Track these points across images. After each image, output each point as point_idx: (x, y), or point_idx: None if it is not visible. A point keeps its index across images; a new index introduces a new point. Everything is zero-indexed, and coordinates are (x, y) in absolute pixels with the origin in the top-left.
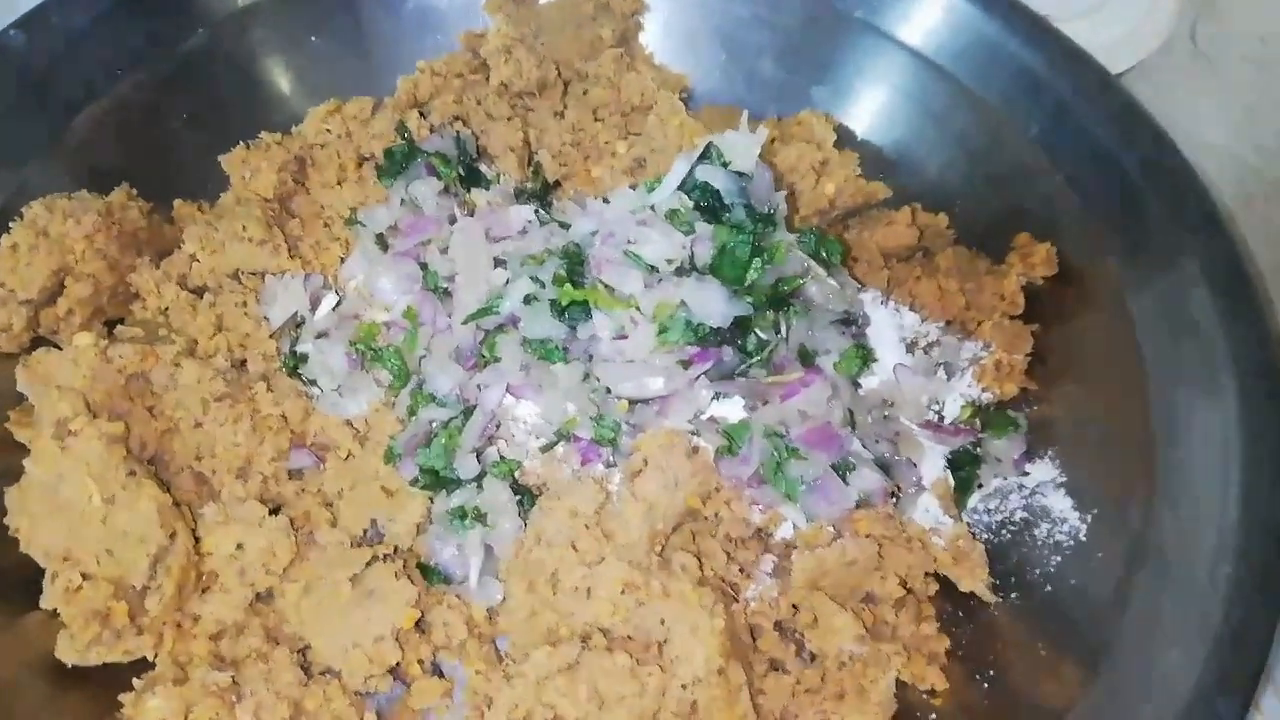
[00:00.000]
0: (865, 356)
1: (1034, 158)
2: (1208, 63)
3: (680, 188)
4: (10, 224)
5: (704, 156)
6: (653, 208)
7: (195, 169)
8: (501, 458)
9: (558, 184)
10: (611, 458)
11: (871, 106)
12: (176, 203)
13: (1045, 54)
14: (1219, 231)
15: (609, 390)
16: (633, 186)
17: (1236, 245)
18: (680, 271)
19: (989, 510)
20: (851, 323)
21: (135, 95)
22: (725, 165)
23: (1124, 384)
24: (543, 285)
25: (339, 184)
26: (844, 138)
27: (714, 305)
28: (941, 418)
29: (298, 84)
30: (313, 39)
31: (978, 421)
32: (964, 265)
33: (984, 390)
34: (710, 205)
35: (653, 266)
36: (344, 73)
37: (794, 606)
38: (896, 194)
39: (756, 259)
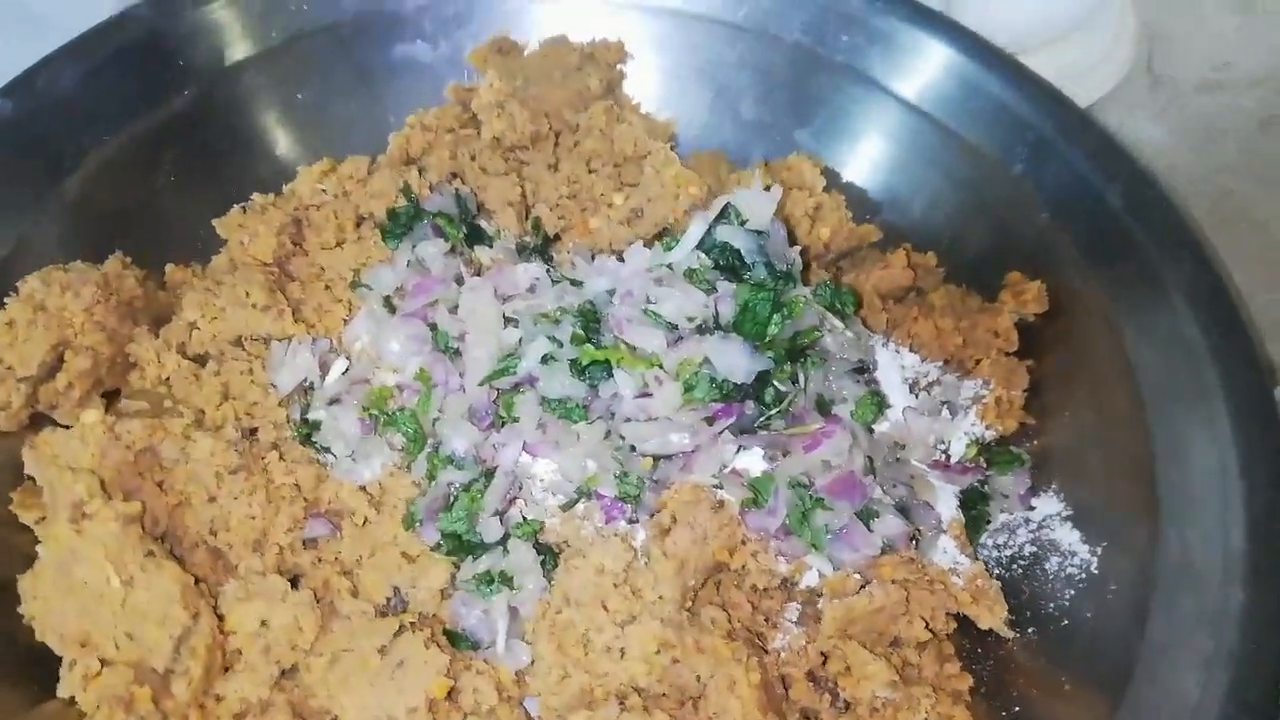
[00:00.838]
0: (880, 403)
1: (1018, 194)
2: (1170, 90)
3: (699, 245)
4: (4, 299)
5: (722, 216)
6: (669, 266)
7: (184, 230)
8: (524, 519)
9: (557, 237)
10: (634, 514)
11: (855, 149)
12: (169, 267)
13: (1024, 93)
14: (1201, 257)
15: (633, 448)
16: (647, 245)
17: (1219, 269)
18: (702, 329)
19: (998, 546)
20: (864, 370)
21: (122, 158)
22: (742, 223)
23: (1121, 413)
24: (560, 345)
25: (338, 245)
26: (829, 179)
27: (737, 361)
28: (948, 457)
29: (285, 140)
30: (299, 95)
31: (983, 459)
32: (957, 304)
33: (987, 427)
34: (730, 264)
35: (672, 324)
36: (331, 126)
37: (823, 654)
38: (884, 233)
39: (777, 315)
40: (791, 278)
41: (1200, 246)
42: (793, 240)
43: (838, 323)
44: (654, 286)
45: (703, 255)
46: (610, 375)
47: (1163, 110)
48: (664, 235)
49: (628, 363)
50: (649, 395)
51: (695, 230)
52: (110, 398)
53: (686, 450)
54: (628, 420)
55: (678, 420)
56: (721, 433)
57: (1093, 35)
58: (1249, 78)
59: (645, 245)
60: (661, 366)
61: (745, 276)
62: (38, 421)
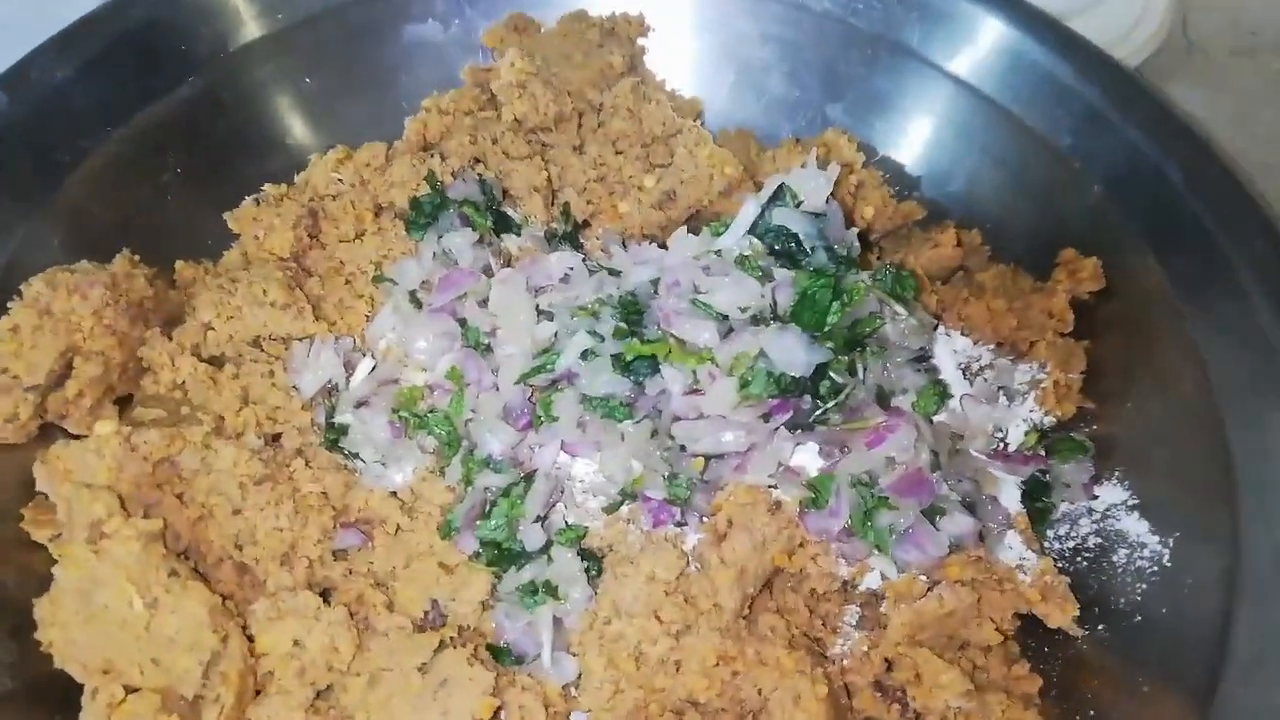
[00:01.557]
0: (942, 392)
1: (1068, 169)
2: (1204, 57)
3: (752, 230)
4: (8, 303)
5: (776, 198)
6: (718, 253)
7: (192, 225)
8: (567, 524)
9: (586, 223)
10: (682, 517)
11: (891, 123)
12: (179, 264)
13: (1071, 61)
14: (1273, 236)
15: (683, 448)
16: (695, 232)
17: None
18: (756, 320)
19: (1059, 537)
20: (925, 359)
21: (125, 150)
22: (798, 205)
23: (1189, 398)
24: (601, 339)
25: (358, 237)
26: (866, 154)
27: (796, 354)
28: (1006, 446)
29: (294, 128)
30: (307, 80)
31: (1043, 447)
32: (1008, 284)
33: (1045, 413)
34: (786, 249)
35: (724, 315)
36: (342, 113)
37: (887, 661)
38: (925, 211)
39: (836, 303)
40: (852, 262)
41: (1272, 225)
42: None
43: (900, 309)
44: (702, 275)
45: (755, 241)
46: (656, 371)
47: (1198, 77)
48: (696, 218)
49: (677, 357)
50: (699, 392)
51: (748, 213)
52: (122, 404)
53: (741, 449)
54: (677, 419)
55: (731, 418)
56: (777, 430)
57: (1124, 1)
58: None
59: (690, 231)
60: (714, 361)
61: (803, 262)
62: (48, 433)
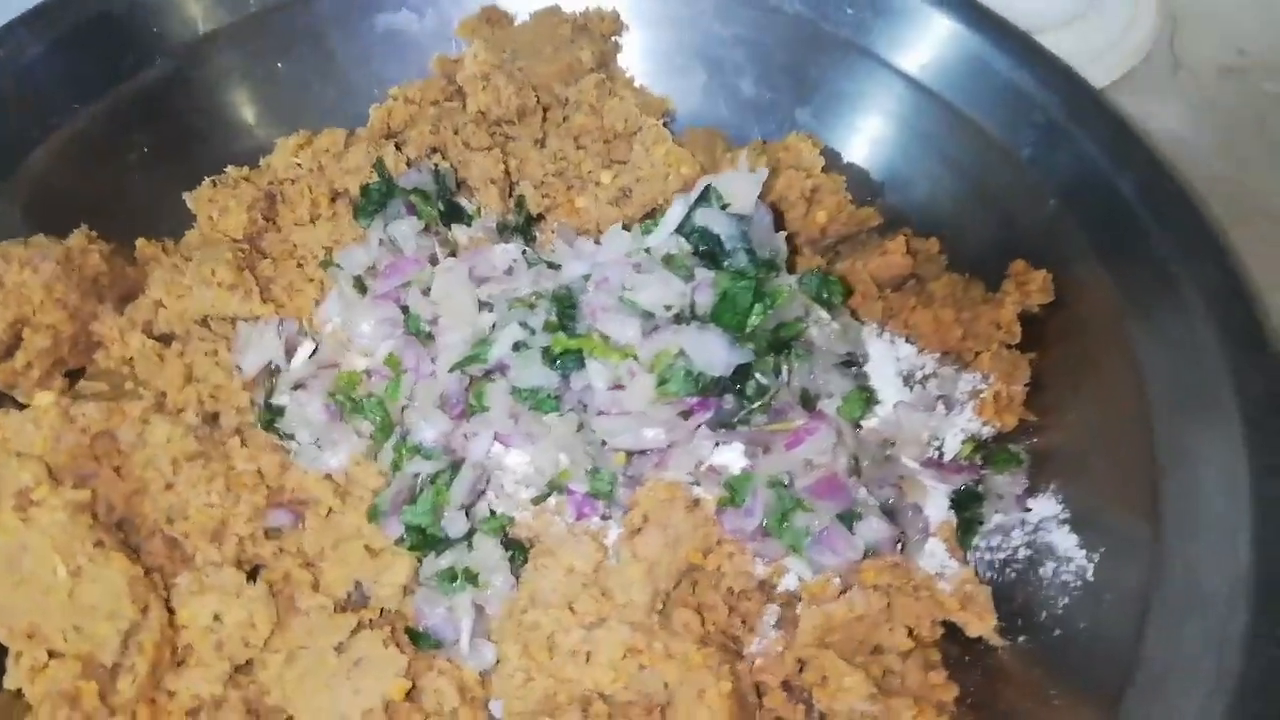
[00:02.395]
0: (869, 398)
1: (1026, 180)
2: (1189, 74)
3: (678, 230)
4: None
5: (702, 199)
6: (648, 251)
7: (158, 204)
8: (492, 512)
9: (541, 216)
10: (607, 510)
11: (857, 127)
12: (139, 242)
13: (1034, 72)
14: (1219, 254)
15: (604, 442)
16: (626, 227)
17: (1238, 269)
18: (679, 319)
19: (991, 548)
20: (853, 364)
21: (92, 128)
22: (724, 207)
23: (1126, 415)
24: (533, 332)
25: (312, 221)
26: (830, 159)
27: (715, 354)
28: (941, 454)
29: (264, 113)
30: (279, 65)
31: (978, 457)
32: (959, 294)
33: (984, 424)
34: (710, 250)
35: (649, 313)
36: (313, 100)
37: (800, 662)
38: (885, 217)
39: (758, 305)
40: (774, 266)
41: (1219, 243)
42: (785, 224)
43: (824, 314)
44: (632, 273)
45: (683, 240)
46: (583, 365)
47: (1183, 94)
48: (654, 216)
49: (600, 353)
50: (622, 388)
51: (675, 213)
52: (76, 376)
53: (661, 446)
54: (600, 413)
55: (651, 415)
56: (698, 428)
57: (1111, 14)
58: (1269, 63)
59: (625, 228)
60: (635, 358)
61: (725, 264)
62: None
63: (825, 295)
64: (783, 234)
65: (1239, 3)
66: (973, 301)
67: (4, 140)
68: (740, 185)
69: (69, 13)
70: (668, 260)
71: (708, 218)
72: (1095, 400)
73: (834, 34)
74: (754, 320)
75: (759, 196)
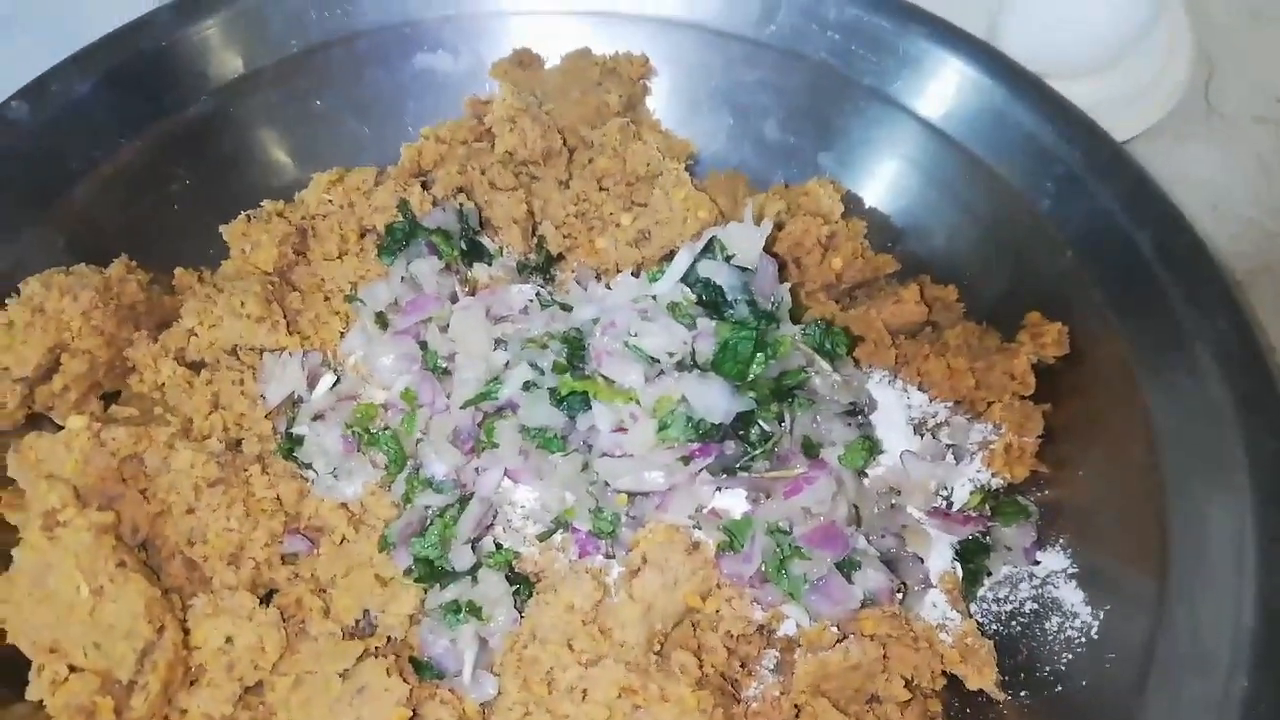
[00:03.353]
0: (871, 448)
1: (1044, 231)
2: (1222, 122)
3: (684, 279)
4: (7, 298)
5: (707, 250)
6: (654, 298)
7: (197, 235)
8: (498, 546)
9: (561, 256)
10: (610, 549)
11: (879, 174)
12: (177, 271)
13: (1055, 124)
14: (1234, 314)
15: (607, 483)
16: (634, 274)
17: (1252, 328)
18: (681, 366)
19: (998, 600)
20: (857, 413)
21: (136, 162)
22: (729, 258)
23: (1137, 472)
24: (542, 372)
25: (340, 257)
26: (852, 204)
27: (716, 401)
28: (950, 504)
29: (301, 150)
30: (316, 103)
31: (987, 508)
32: (974, 343)
33: (994, 475)
34: (713, 300)
35: (654, 359)
36: (348, 137)
37: (796, 707)
38: (905, 263)
39: (760, 354)
40: (775, 318)
41: (1234, 303)
42: (801, 269)
43: (825, 365)
44: (638, 319)
45: (687, 289)
46: (589, 407)
47: (1216, 142)
48: (670, 259)
49: (604, 396)
50: (625, 431)
51: (680, 263)
52: (111, 399)
53: (661, 489)
54: (603, 455)
55: (652, 458)
56: (699, 473)
57: (1144, 60)
58: None
59: (633, 274)
60: (638, 402)
61: (727, 314)
62: (37, 421)
63: (828, 346)
64: (786, 285)
65: (1275, 51)
66: (987, 351)
67: (51, 173)
68: (744, 237)
69: (115, 52)
70: (672, 308)
71: (711, 269)
72: (1106, 456)
73: (857, 81)
74: (756, 369)
75: (765, 247)
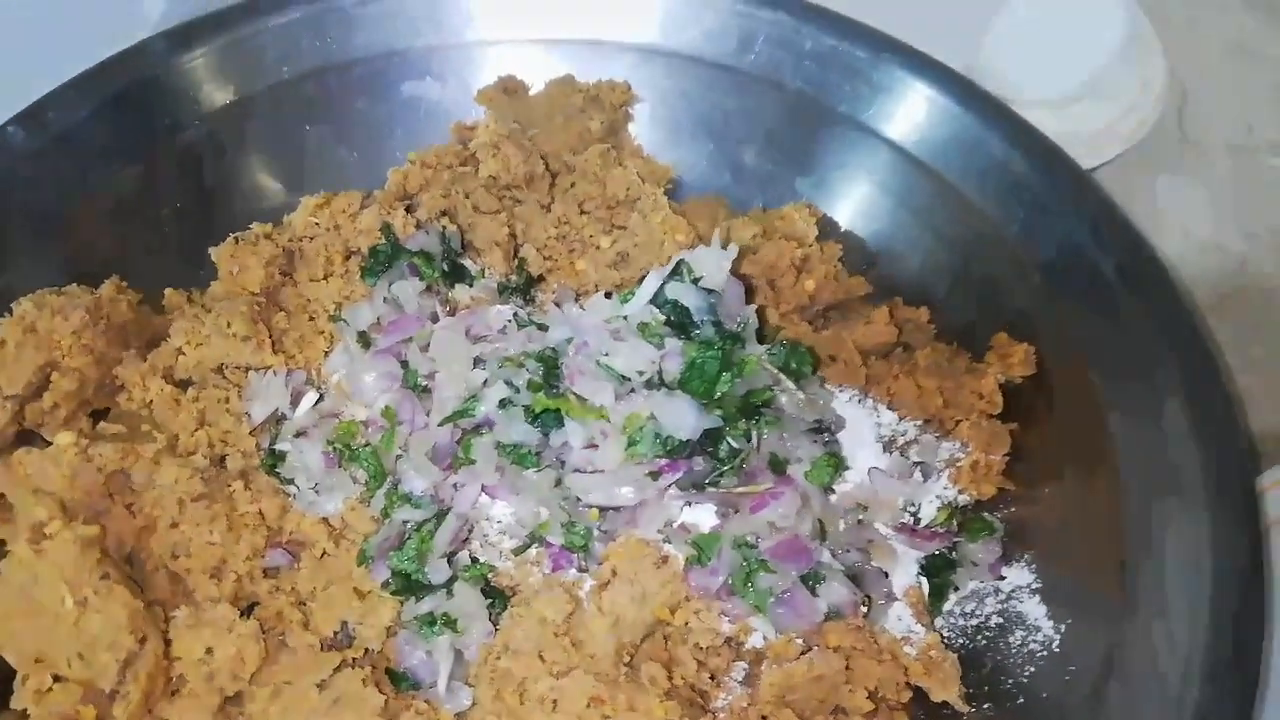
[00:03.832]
0: (838, 464)
1: (1013, 256)
2: (1195, 150)
3: (653, 300)
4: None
5: (675, 272)
6: (626, 318)
7: (189, 257)
8: (474, 560)
9: (542, 278)
10: (584, 563)
11: (854, 199)
12: (167, 292)
13: (1025, 152)
14: (1195, 338)
15: (579, 499)
16: (608, 295)
17: (1213, 352)
18: (650, 384)
19: (964, 614)
20: (823, 431)
21: (130, 187)
22: (696, 281)
23: (1099, 491)
24: (518, 390)
25: (325, 278)
26: (828, 229)
27: (683, 419)
28: (917, 520)
29: (291, 175)
30: (307, 129)
31: (954, 524)
32: (943, 363)
33: (961, 492)
34: (680, 321)
35: (624, 378)
36: (338, 162)
37: (763, 718)
38: (879, 286)
39: (726, 373)
40: (740, 338)
41: (1195, 328)
42: (775, 291)
43: (790, 384)
44: (609, 339)
45: (656, 310)
46: (562, 424)
47: (1189, 169)
48: None
49: (576, 413)
50: (596, 447)
51: (650, 285)
52: (101, 417)
53: (631, 504)
54: (575, 471)
55: (622, 474)
56: (668, 488)
57: (1118, 88)
58: (1277, 140)
59: (606, 295)
60: (608, 419)
61: (694, 334)
62: (27, 437)
63: (794, 365)
64: (752, 307)
65: (1249, 80)
66: (956, 371)
67: (46, 196)
68: (711, 261)
69: (111, 79)
70: (642, 328)
71: (679, 290)
72: (1071, 475)
73: (833, 109)
74: (722, 388)
75: (736, 270)
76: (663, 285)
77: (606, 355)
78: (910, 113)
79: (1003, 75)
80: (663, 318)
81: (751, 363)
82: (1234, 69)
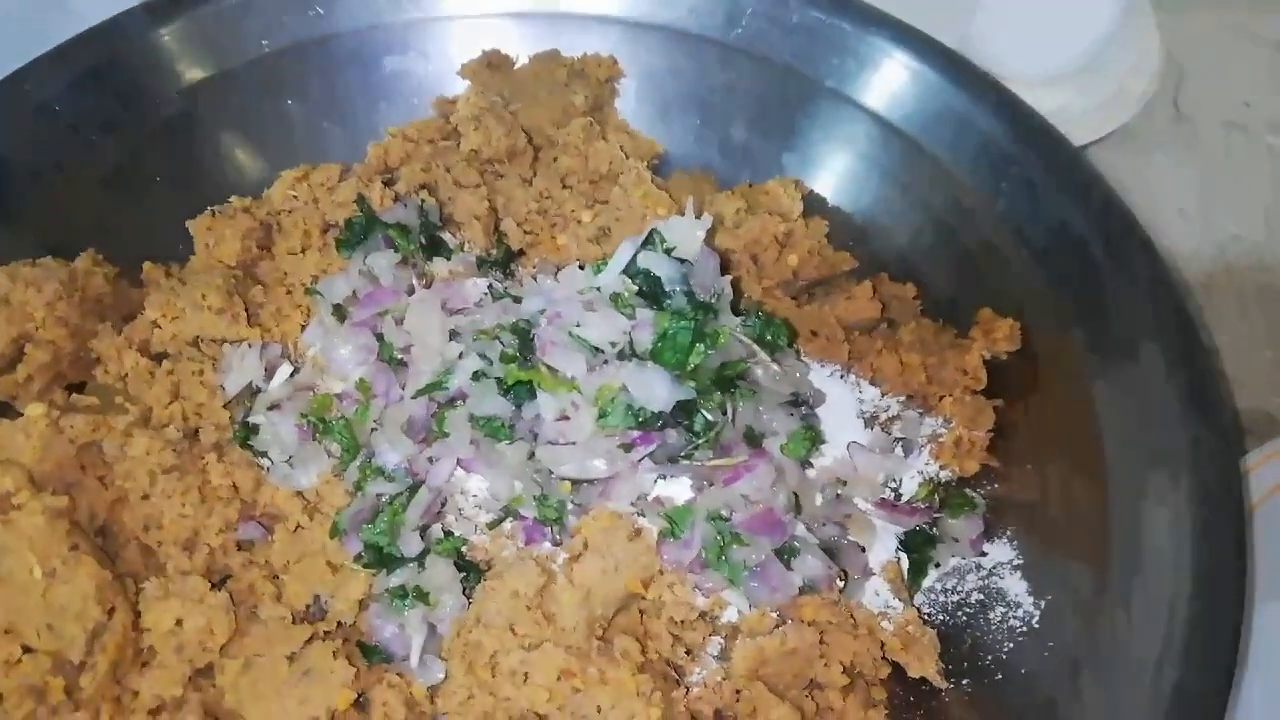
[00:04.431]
0: (814, 438)
1: (1001, 232)
2: (1190, 127)
3: (625, 271)
4: None
5: (647, 242)
6: (599, 289)
7: (168, 231)
8: (446, 534)
9: (521, 252)
10: (558, 536)
11: (841, 174)
12: (145, 265)
13: (1013, 127)
14: (1180, 315)
15: (552, 471)
16: (581, 266)
17: (1197, 329)
18: (622, 355)
19: (945, 590)
20: (801, 404)
21: (108, 160)
22: (669, 251)
23: (1083, 468)
24: (491, 363)
25: (303, 252)
26: (814, 204)
27: (656, 390)
28: (899, 496)
29: (273, 149)
30: (288, 103)
31: (936, 499)
32: (928, 338)
33: (943, 468)
34: (652, 291)
35: (597, 349)
36: (320, 138)
37: (737, 692)
38: (865, 261)
39: (699, 344)
40: (714, 309)
41: (1181, 305)
42: (759, 265)
43: (765, 356)
44: (582, 310)
45: (628, 281)
46: (535, 396)
47: (1184, 147)
48: None
49: (548, 385)
50: (568, 419)
51: (623, 254)
52: (77, 391)
53: (603, 476)
54: (547, 443)
55: (594, 446)
56: (640, 460)
57: (1113, 65)
58: (1273, 117)
59: (581, 267)
60: (580, 391)
61: (665, 305)
62: (2, 411)
63: (769, 337)
64: (727, 278)
65: (1245, 55)
66: (941, 347)
67: (23, 170)
68: (685, 231)
69: (89, 51)
70: (614, 299)
71: (651, 260)
72: (1054, 451)
73: (821, 83)
74: (695, 359)
75: (720, 243)
76: (635, 255)
77: (579, 326)
78: (898, 87)
79: (995, 51)
80: (635, 288)
81: (724, 334)
82: (1230, 45)
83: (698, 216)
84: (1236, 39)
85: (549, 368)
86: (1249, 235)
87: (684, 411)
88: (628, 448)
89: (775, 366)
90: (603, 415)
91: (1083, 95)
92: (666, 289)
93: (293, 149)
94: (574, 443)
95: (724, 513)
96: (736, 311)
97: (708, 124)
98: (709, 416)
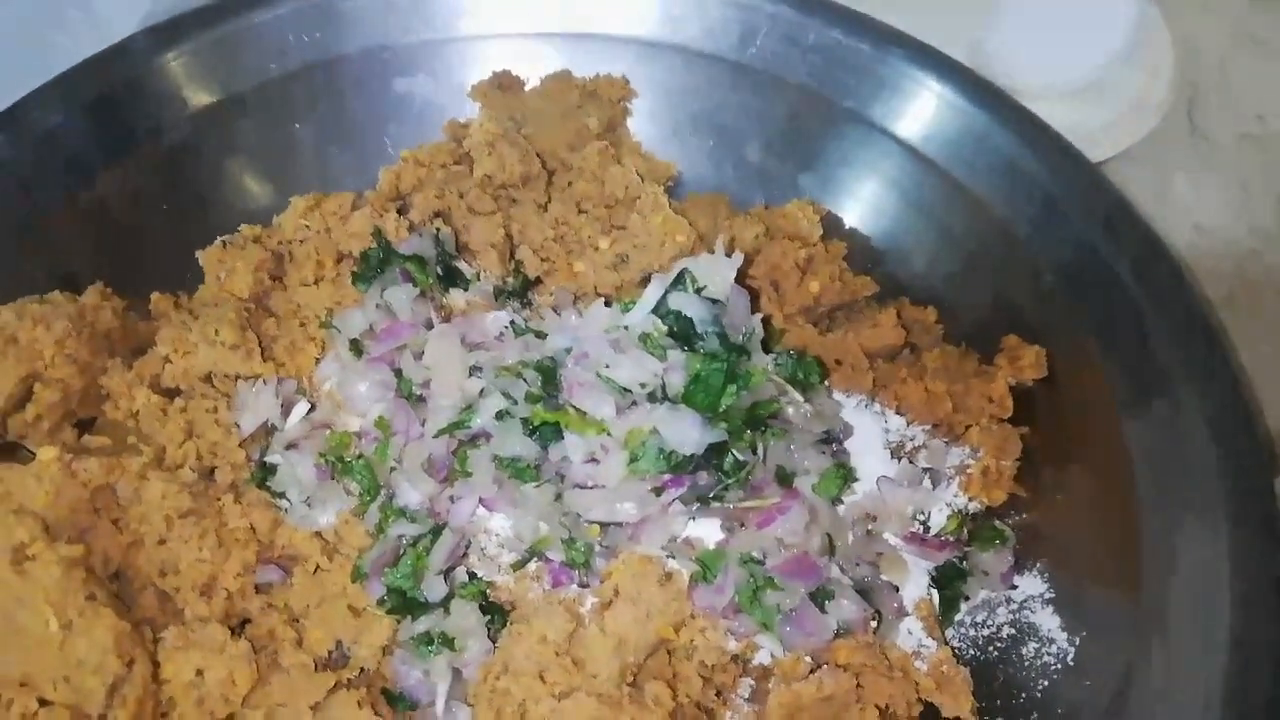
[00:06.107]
0: (846, 475)
1: (1024, 256)
2: (1205, 141)
3: (655, 310)
4: None
5: (677, 282)
6: (627, 328)
7: (176, 260)
8: (471, 576)
9: (539, 280)
10: (585, 579)
11: (860, 196)
12: (154, 296)
13: (1034, 149)
14: (1211, 342)
15: (579, 514)
16: (607, 302)
17: (1229, 356)
18: (653, 398)
19: (976, 624)
20: (832, 441)
21: (114, 189)
22: (699, 290)
23: (1113, 499)
24: (515, 401)
25: (316, 283)
26: (832, 226)
27: (687, 433)
28: (927, 529)
29: (281, 175)
30: (296, 128)
31: (964, 532)
32: (952, 365)
33: (970, 499)
34: (684, 332)
35: (626, 390)
36: (328, 162)
37: None
38: (885, 284)
39: (731, 386)
40: (747, 351)
41: (1213, 333)
42: (779, 292)
43: (797, 395)
44: (610, 350)
45: (657, 321)
46: (562, 437)
47: (1199, 162)
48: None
49: (576, 427)
50: (597, 461)
51: (651, 294)
52: (87, 425)
53: (633, 520)
54: (575, 486)
55: (624, 489)
56: (671, 504)
57: (1126, 81)
58: None
59: (606, 303)
60: (609, 433)
61: (698, 346)
62: (10, 450)
63: (801, 376)
64: (758, 316)
65: (1260, 70)
66: (965, 374)
67: (28, 201)
68: (715, 269)
69: (92, 79)
70: (644, 339)
71: (682, 301)
72: (1084, 481)
73: (838, 104)
74: (727, 401)
75: (740, 272)
76: (665, 295)
77: (607, 367)
78: (917, 108)
79: (1008, 66)
80: (665, 329)
81: (757, 375)
82: (1245, 59)
83: (728, 253)
84: (1250, 50)
85: (576, 409)
86: (1267, 250)
87: (714, 452)
88: (658, 491)
89: (807, 405)
90: (634, 459)
91: (1098, 110)
92: (698, 330)
93: (301, 175)
94: (603, 486)
95: (756, 555)
96: (766, 349)
97: (722, 145)
98: (739, 456)
